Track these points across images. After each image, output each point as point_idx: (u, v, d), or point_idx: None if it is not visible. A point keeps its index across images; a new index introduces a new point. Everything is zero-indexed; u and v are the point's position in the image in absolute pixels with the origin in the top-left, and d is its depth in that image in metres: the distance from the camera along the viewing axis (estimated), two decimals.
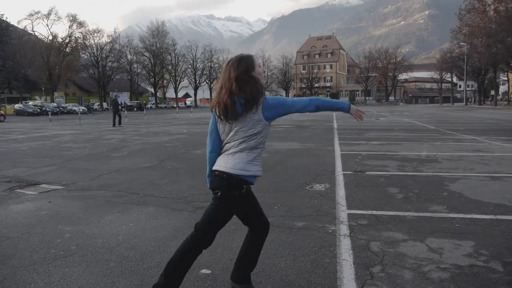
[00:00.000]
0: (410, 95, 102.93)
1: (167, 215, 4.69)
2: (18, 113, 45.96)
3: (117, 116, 23.02)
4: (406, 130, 16.80)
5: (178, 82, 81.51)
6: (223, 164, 2.46)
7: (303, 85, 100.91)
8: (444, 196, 5.37)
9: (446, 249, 3.49)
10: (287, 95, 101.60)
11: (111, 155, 10.24)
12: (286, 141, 12.74)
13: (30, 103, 50.60)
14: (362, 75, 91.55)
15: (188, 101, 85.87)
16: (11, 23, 69.03)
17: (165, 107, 76.47)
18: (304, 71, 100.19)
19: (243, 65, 2.42)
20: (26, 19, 64.43)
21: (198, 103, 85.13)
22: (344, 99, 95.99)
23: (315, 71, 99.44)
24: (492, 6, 52.40)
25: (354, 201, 5.16)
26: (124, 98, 65.50)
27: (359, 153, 9.43)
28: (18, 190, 6.25)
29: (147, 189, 6.08)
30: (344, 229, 4.06)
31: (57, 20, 67.15)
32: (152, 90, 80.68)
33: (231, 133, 2.45)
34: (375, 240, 3.71)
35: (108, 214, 4.75)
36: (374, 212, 4.62)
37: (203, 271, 3.12)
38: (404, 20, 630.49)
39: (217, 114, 2.44)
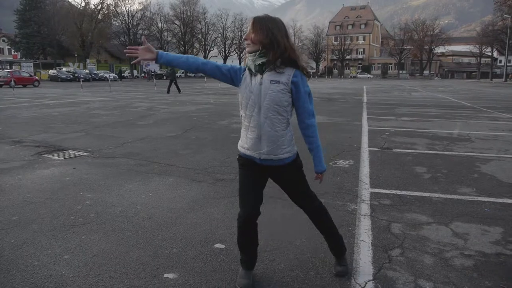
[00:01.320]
0: (446, 70, 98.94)
1: (186, 186, 4.68)
2: (52, 78, 47.07)
3: (173, 84, 24.56)
4: (439, 106, 16.16)
5: (207, 51, 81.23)
6: None
7: (334, 57, 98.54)
8: (475, 178, 5.12)
9: (472, 234, 3.32)
10: (317, 67, 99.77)
11: (137, 123, 10.34)
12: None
13: (64, 69, 51.66)
14: (396, 48, 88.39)
15: None
16: None
17: (194, 76, 76.60)
18: (336, 43, 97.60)
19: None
20: None
21: None
22: (376, 72, 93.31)
23: (347, 42, 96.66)
24: None
25: (378, 179, 4.99)
26: (154, 66, 65.86)
27: (387, 129, 9.13)
28: (46, 155, 6.40)
29: (169, 159, 6.09)
30: (365, 208, 3.93)
31: None
32: None
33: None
34: (397, 222, 3.58)
35: (129, 183, 4.78)
36: (398, 192, 4.45)
37: (217, 245, 3.08)
38: None
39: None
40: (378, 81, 61.86)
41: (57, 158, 6.24)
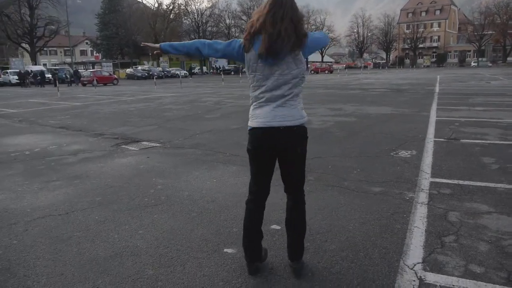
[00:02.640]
0: None
1: (247, 173, 4.94)
2: (129, 77, 50.36)
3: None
4: None
5: None
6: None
7: (406, 46, 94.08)
8: None
9: None
10: (387, 57, 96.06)
11: (205, 116, 10.89)
12: (378, 105, 12.26)
13: (139, 67, 55.01)
14: (476, 33, 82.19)
15: None
16: None
17: None
18: (408, 31, 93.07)
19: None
20: None
21: None
22: (452, 61, 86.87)
23: (421, 30, 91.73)
24: None
25: (441, 169, 4.90)
26: (222, 62, 67.70)
27: (457, 120, 8.74)
28: (123, 146, 7.05)
29: (233, 149, 6.42)
30: (423, 197, 3.93)
31: None
32: None
33: (270, 76, 2.31)
34: (455, 210, 3.55)
35: (196, 170, 5.17)
36: (461, 182, 4.36)
37: (273, 226, 3.30)
38: None
39: (265, 49, 2.21)
40: (454, 70, 58.13)
41: (133, 148, 6.84)
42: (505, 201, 3.76)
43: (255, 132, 2.45)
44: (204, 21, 71.28)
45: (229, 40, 2.50)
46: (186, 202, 3.95)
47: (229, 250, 2.90)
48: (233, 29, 77.63)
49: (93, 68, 49.27)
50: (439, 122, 8.43)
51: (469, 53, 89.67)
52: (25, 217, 3.71)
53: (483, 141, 6.50)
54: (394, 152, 5.85)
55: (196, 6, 71.58)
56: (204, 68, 70.30)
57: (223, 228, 3.29)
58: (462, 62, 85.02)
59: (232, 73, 62.93)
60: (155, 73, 47.48)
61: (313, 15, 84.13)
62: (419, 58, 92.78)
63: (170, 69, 58.95)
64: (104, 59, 66.17)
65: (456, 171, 4.81)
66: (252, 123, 2.47)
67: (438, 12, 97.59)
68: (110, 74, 39.69)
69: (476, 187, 4.19)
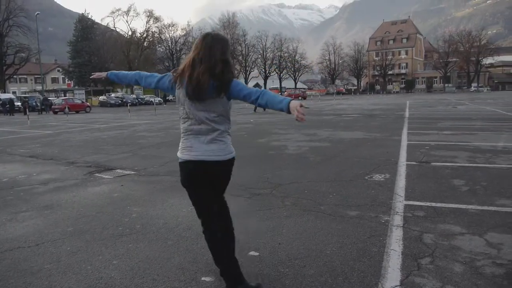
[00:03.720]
0: (496, 81, 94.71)
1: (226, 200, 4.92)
2: (102, 104, 49.77)
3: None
4: (485, 119, 15.61)
5: (248, 73, 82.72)
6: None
7: (376, 73, 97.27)
8: None
9: (506, 244, 3.31)
10: (358, 83, 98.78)
11: (179, 143, 10.79)
12: (351, 130, 12.53)
13: (113, 95, 54.50)
14: (441, 61, 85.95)
15: None
16: (96, 21, 74.52)
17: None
18: (377, 58, 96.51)
19: (228, 47, 2.47)
20: (108, 16, 69.40)
21: None
22: (420, 87, 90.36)
23: (389, 57, 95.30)
24: None
25: (414, 192, 5.01)
26: None
27: (427, 143, 9.02)
28: (96, 174, 6.90)
29: None
30: (398, 219, 3.99)
31: (136, 16, 70.95)
32: None
33: (196, 113, 2.43)
34: (429, 232, 3.61)
35: (172, 198, 5.09)
36: (433, 204, 4.46)
37: (251, 253, 3.27)
38: None
39: (187, 91, 2.37)
40: (422, 95, 60.26)
41: (106, 176, 6.70)
42: (476, 222, 3.86)
43: (187, 165, 2.57)
44: (178, 48, 71.77)
45: (163, 75, 2.66)
46: (162, 231, 3.88)
47: (207, 279, 2.85)
48: None
49: (65, 95, 48.53)
50: (410, 146, 8.67)
51: (435, 79, 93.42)
52: None
53: (452, 164, 6.70)
54: (368, 176, 5.95)
55: (170, 34, 72.11)
56: None
57: (200, 256, 3.23)
58: (430, 88, 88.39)
59: None
60: (129, 100, 47.14)
61: (285, 43, 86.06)
62: (389, 84, 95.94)
63: (144, 96, 58.68)
64: (76, 87, 65.30)
65: (429, 193, 4.93)
66: (183, 155, 2.58)
67: (405, 41, 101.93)
68: (83, 102, 39.18)
69: (449, 208, 4.30)
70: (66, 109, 29.59)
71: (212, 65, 2.33)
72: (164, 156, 8.61)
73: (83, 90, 57.49)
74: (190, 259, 3.19)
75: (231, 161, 2.60)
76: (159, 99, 55.35)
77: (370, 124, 14.49)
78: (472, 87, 79.62)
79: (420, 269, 2.89)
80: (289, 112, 2.24)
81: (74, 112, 34.36)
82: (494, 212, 4.18)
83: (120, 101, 48.95)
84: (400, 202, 4.57)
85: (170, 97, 66.22)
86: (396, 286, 2.66)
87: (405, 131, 11.62)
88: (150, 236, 3.74)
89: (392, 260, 3.04)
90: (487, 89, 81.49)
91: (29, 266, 3.15)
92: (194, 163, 2.51)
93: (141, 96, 57.43)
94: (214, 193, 2.65)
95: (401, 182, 5.51)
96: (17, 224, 4.30)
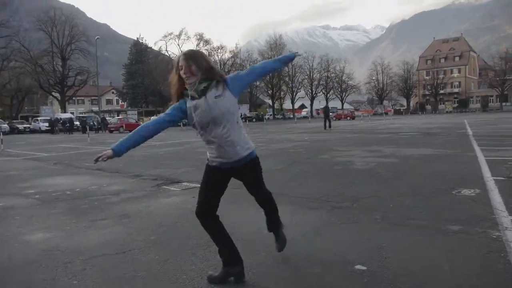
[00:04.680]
0: None
1: (303, 213, 4.67)
2: None
3: (327, 120, 27.30)
4: None
5: (295, 93, 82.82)
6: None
7: (427, 92, 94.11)
8: None
9: None
10: (408, 103, 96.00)
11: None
12: (416, 147, 11.91)
13: None
14: (498, 78, 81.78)
15: (304, 112, 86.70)
16: (149, 45, 77.96)
17: (283, 117, 78.29)
18: (427, 77, 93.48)
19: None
20: (161, 40, 71.63)
21: (313, 113, 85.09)
22: (475, 106, 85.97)
23: (441, 76, 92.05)
24: None
25: None
26: (243, 109, 68.69)
27: (508, 159, 8.31)
28: (164, 187, 6.87)
29: (281, 189, 6.15)
30: (510, 235, 3.54)
31: (187, 40, 72.98)
32: (270, 101, 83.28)
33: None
34: None
35: (248, 209, 4.89)
36: None
37: (358, 266, 2.97)
38: None
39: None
40: (478, 115, 57.32)
41: (174, 189, 6.65)
42: None
43: None
44: (226, 70, 73.25)
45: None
46: (251, 239, 3.68)
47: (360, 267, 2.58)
48: None
49: (118, 116, 50.59)
50: (490, 162, 8.01)
51: (491, 98, 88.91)
52: (79, 255, 3.48)
53: None
54: (456, 191, 5.47)
55: (219, 56, 73.83)
56: None
57: (303, 269, 2.97)
58: (485, 107, 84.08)
59: (254, 120, 63.58)
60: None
61: (332, 63, 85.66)
62: (441, 104, 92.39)
63: None
64: (129, 108, 68.10)
65: None
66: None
67: (457, 59, 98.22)
68: (136, 121, 40.57)
69: None
70: (123, 127, 30.69)
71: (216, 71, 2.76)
72: None
73: (136, 111, 59.83)
74: (291, 271, 2.94)
75: None
76: None
77: (434, 142, 13.74)
78: None
79: None
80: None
81: (128, 131, 35.59)
82: None
83: None
84: (505, 218, 4.09)
85: None
86: None
87: (477, 148, 10.85)
88: (239, 244, 3.52)
89: None
90: None
91: (122, 274, 3.03)
92: None
93: None
94: None
95: (496, 197, 4.99)
96: (96, 231, 4.26)
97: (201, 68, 2.58)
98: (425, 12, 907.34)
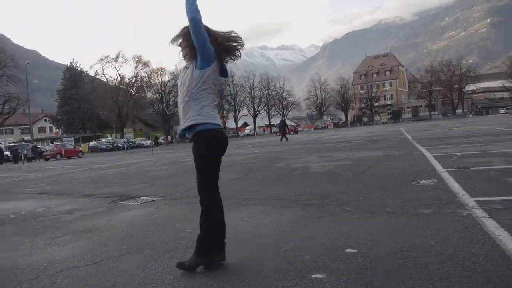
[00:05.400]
0: (479, 107, 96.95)
1: (278, 211, 4.60)
2: (93, 150, 49.07)
3: (282, 135, 28.73)
4: (490, 134, 15.59)
5: (237, 111, 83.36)
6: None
7: (363, 105, 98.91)
8: None
9: None
10: (346, 116, 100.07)
11: (195, 172, 10.44)
12: (366, 150, 12.35)
13: (103, 140, 54.01)
14: (425, 90, 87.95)
15: (247, 130, 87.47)
16: (84, 69, 75.10)
17: (233, 135, 78.44)
18: (362, 91, 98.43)
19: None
20: (97, 63, 68.75)
21: (257, 130, 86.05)
22: (407, 116, 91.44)
23: (374, 90, 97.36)
24: None
25: (474, 191, 4.74)
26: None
27: (453, 154, 8.85)
28: (121, 202, 6.49)
29: (247, 193, 6.05)
30: (479, 212, 3.70)
31: (124, 62, 70.70)
32: None
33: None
34: None
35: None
36: (505, 198, 4.20)
37: (348, 250, 2.94)
38: (464, 30, 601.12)
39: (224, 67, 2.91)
40: (411, 123, 61.02)
41: (133, 203, 6.31)
42: None
43: (222, 132, 2.95)
44: (167, 91, 72.26)
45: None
46: (230, 239, 3.51)
47: (319, 276, 2.50)
48: None
49: (53, 143, 47.87)
50: (437, 157, 8.47)
51: (421, 108, 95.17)
52: (44, 271, 3.14)
53: (493, 167, 6.50)
54: (416, 182, 5.69)
55: (159, 78, 72.69)
56: (169, 137, 70.09)
57: (293, 258, 2.88)
58: (416, 117, 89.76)
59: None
60: (120, 144, 46.71)
61: (272, 81, 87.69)
62: (376, 115, 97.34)
63: (135, 139, 58.30)
64: (64, 134, 64.77)
65: (491, 190, 4.67)
66: (218, 122, 2.89)
67: (388, 73, 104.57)
68: (75, 147, 38.64)
69: None
70: (61, 153, 29.05)
71: None
72: (186, 183, 8.22)
73: (72, 137, 57.04)
74: (284, 261, 2.84)
75: None
76: (151, 141, 54.94)
77: (380, 146, 14.34)
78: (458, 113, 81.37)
79: None
80: None
81: (66, 158, 33.77)
82: None
83: (111, 146, 48.45)
84: (468, 199, 4.29)
85: (161, 140, 66.00)
86: None
87: (421, 148, 11.46)
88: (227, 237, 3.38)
89: (508, 243, 2.75)
90: (471, 115, 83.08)
91: (101, 281, 2.76)
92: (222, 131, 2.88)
93: (132, 140, 57.00)
94: None
95: (454, 184, 5.24)
96: (58, 247, 3.90)
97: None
98: (355, 31, 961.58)
